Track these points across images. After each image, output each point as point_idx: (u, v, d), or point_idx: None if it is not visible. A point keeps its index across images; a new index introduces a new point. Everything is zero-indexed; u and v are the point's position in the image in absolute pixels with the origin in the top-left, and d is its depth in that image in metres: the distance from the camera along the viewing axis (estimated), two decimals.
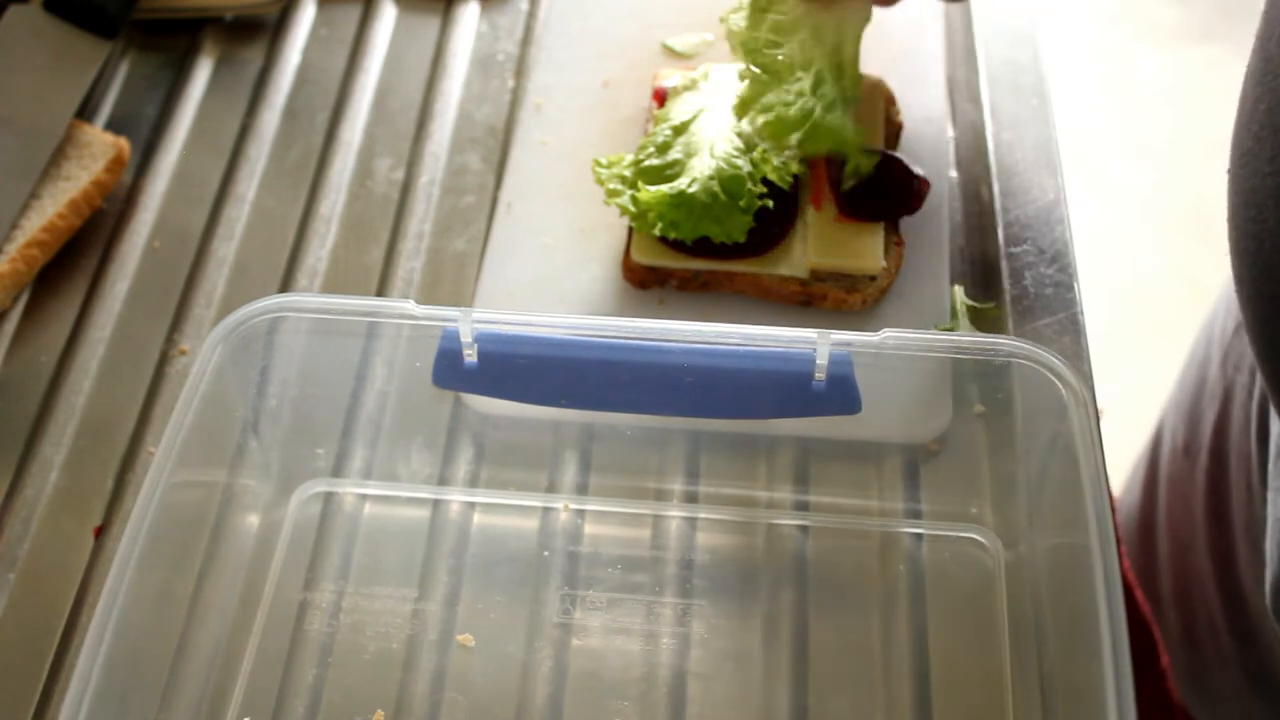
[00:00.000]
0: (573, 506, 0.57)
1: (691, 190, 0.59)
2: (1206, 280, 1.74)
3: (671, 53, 0.73)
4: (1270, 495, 0.64)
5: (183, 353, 0.63)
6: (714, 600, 0.54)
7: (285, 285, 0.65)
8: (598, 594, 0.54)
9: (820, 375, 0.52)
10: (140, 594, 0.46)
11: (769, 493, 0.57)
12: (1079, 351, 0.61)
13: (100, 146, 0.68)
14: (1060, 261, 0.64)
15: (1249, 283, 0.54)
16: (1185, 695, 0.87)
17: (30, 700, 0.52)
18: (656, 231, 0.59)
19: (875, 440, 0.58)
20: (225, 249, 0.67)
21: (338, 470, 0.58)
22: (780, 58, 0.60)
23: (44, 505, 0.57)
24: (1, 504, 0.57)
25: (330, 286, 0.65)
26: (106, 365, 0.62)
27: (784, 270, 0.61)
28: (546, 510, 0.57)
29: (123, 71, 0.75)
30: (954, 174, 0.68)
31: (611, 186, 0.61)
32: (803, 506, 0.57)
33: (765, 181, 0.60)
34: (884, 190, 0.62)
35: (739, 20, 0.62)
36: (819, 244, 0.61)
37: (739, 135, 0.62)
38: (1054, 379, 0.50)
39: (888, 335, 0.51)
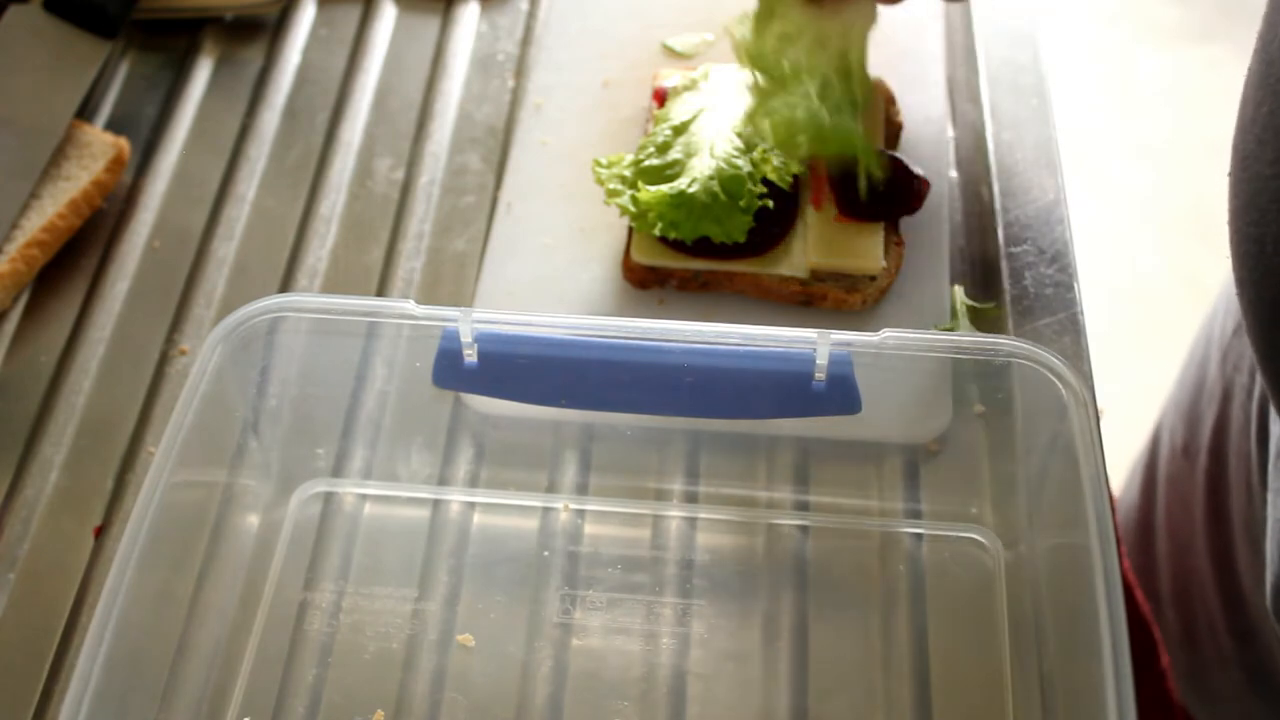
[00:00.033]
0: (573, 506, 0.57)
1: (691, 190, 0.59)
2: (1206, 280, 1.74)
3: (671, 53, 0.73)
4: (1270, 496, 0.64)
5: (183, 353, 0.63)
6: (714, 600, 0.54)
7: (285, 285, 0.65)
8: (598, 594, 0.54)
9: (820, 375, 0.52)
10: (140, 594, 0.46)
11: (769, 493, 0.57)
12: (1079, 351, 0.61)
13: (100, 146, 0.68)
14: (1060, 261, 0.64)
15: (1250, 286, 0.54)
16: (1185, 695, 0.87)
17: (30, 700, 0.52)
18: (656, 231, 0.59)
19: (875, 440, 0.58)
20: (225, 249, 0.67)
21: (338, 470, 0.58)
22: (786, 66, 0.60)
23: (44, 505, 0.57)
24: (1, 504, 0.57)
25: (330, 286, 0.65)
26: (106, 365, 0.62)
27: (784, 270, 0.61)
28: (546, 510, 0.57)
29: (123, 71, 0.75)
30: (954, 174, 0.68)
31: (611, 186, 0.61)
32: (803, 506, 0.57)
33: (765, 181, 0.60)
34: (884, 190, 0.61)
35: (744, 30, 0.62)
36: (819, 244, 0.61)
37: (739, 135, 0.62)
38: (1054, 379, 0.50)
39: (888, 335, 0.51)
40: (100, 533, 0.57)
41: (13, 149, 0.66)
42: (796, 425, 0.57)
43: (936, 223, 0.64)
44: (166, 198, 0.69)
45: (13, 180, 0.65)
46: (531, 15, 0.77)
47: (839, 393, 0.52)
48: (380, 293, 0.65)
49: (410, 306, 0.52)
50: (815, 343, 0.51)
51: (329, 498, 0.57)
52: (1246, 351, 0.74)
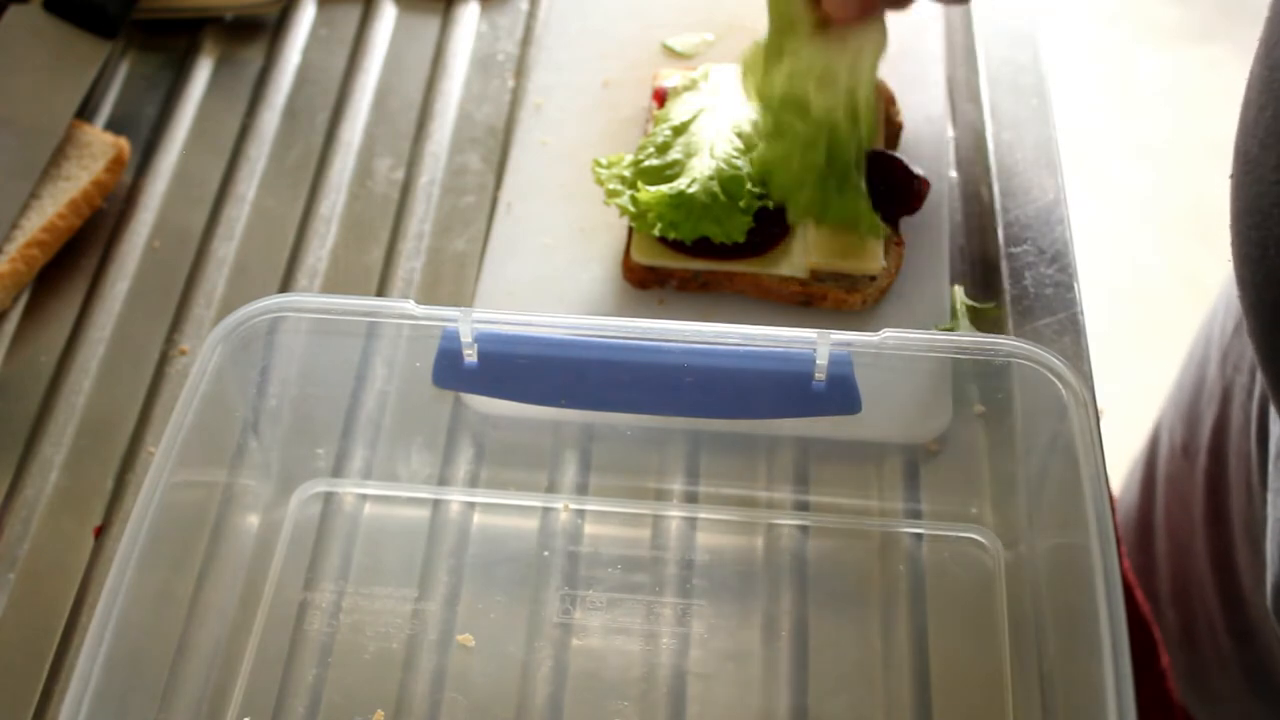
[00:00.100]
0: (573, 506, 0.57)
1: (691, 190, 0.59)
2: (1206, 280, 1.74)
3: (671, 53, 0.73)
4: (1270, 496, 0.64)
5: (183, 353, 0.63)
6: (714, 600, 0.54)
7: (285, 285, 0.65)
8: (598, 594, 0.54)
9: (820, 375, 0.52)
10: (140, 594, 0.46)
11: (769, 493, 0.57)
12: (1079, 351, 0.61)
13: (100, 146, 0.68)
14: (1060, 261, 0.64)
15: (1252, 288, 0.54)
16: (1185, 695, 0.87)
17: (30, 700, 0.52)
18: (656, 231, 0.59)
19: (875, 440, 0.58)
20: (225, 249, 0.67)
21: (338, 470, 0.58)
22: (797, 124, 0.59)
23: (44, 505, 0.57)
24: (1, 504, 0.57)
25: (330, 286, 0.65)
26: (106, 365, 0.62)
27: (784, 270, 0.61)
28: (546, 510, 0.57)
29: (123, 71, 0.75)
30: (954, 174, 0.68)
31: (611, 186, 0.61)
32: (803, 506, 0.57)
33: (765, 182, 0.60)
34: (884, 190, 0.61)
35: (754, 63, 0.62)
36: (819, 244, 0.61)
37: (739, 135, 0.62)
38: (1054, 379, 0.50)
39: (888, 335, 0.51)
40: (100, 533, 0.57)
41: (13, 149, 0.66)
42: (796, 425, 0.57)
43: (936, 223, 0.64)
44: (166, 198, 0.69)
45: (13, 180, 0.65)
46: (531, 15, 0.77)
47: (839, 393, 0.52)
48: (380, 293, 0.65)
49: (410, 306, 0.52)
50: (815, 343, 0.51)
51: (329, 498, 0.57)
52: (1246, 351, 0.74)
